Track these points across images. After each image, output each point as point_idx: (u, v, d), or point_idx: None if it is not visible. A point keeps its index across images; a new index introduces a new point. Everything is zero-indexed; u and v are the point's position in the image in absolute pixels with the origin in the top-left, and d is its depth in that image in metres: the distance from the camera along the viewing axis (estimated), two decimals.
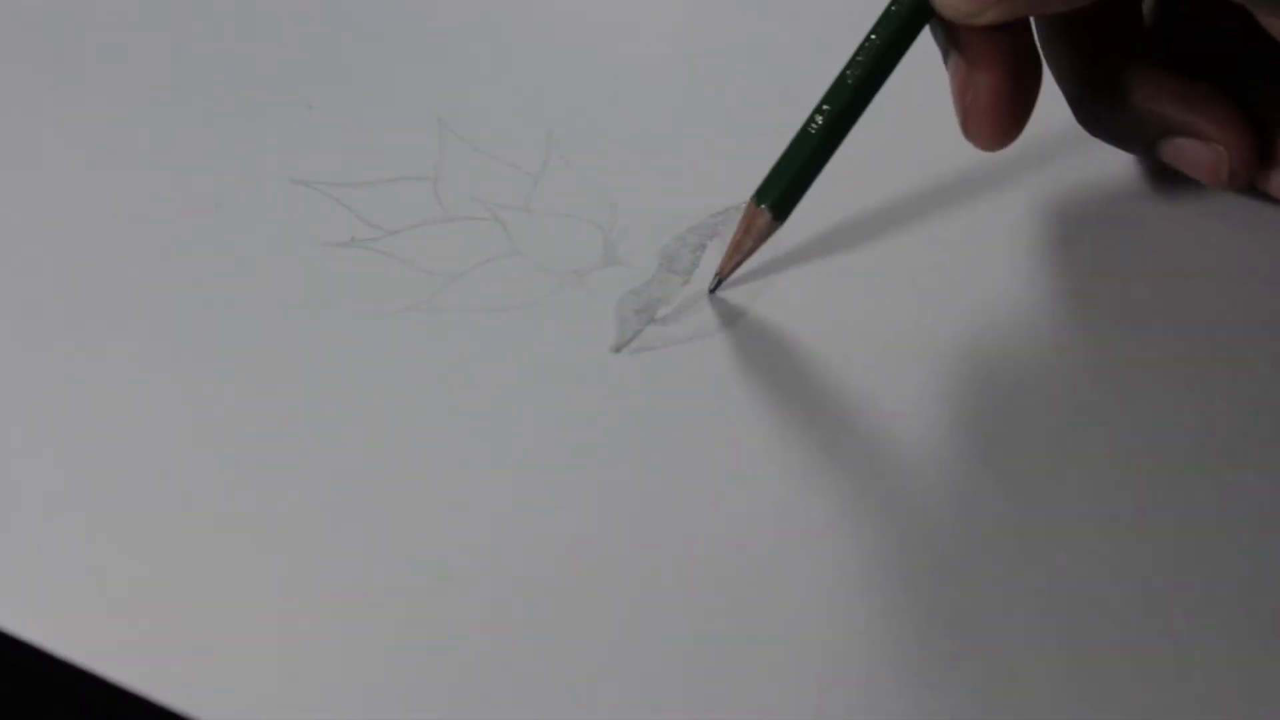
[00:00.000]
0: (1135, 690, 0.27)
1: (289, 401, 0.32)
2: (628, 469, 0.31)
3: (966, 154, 0.34)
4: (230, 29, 0.41)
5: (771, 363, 0.33)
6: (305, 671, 0.27)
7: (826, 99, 0.33)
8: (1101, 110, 0.35)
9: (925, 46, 0.34)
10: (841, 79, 0.33)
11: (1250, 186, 0.35)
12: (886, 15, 0.33)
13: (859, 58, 0.33)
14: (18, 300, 0.34)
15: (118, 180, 0.37)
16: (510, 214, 0.36)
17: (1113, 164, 0.37)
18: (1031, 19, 0.33)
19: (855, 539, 0.30)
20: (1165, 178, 0.36)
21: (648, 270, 0.35)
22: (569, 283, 0.34)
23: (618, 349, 0.33)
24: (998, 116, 0.33)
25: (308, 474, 0.31)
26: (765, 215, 0.33)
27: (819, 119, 0.33)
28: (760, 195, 0.34)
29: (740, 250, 0.34)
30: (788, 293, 0.34)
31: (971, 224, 0.36)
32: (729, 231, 0.35)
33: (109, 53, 0.40)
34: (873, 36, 0.33)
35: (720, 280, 0.34)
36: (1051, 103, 0.35)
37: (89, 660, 0.28)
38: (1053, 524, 0.30)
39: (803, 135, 0.33)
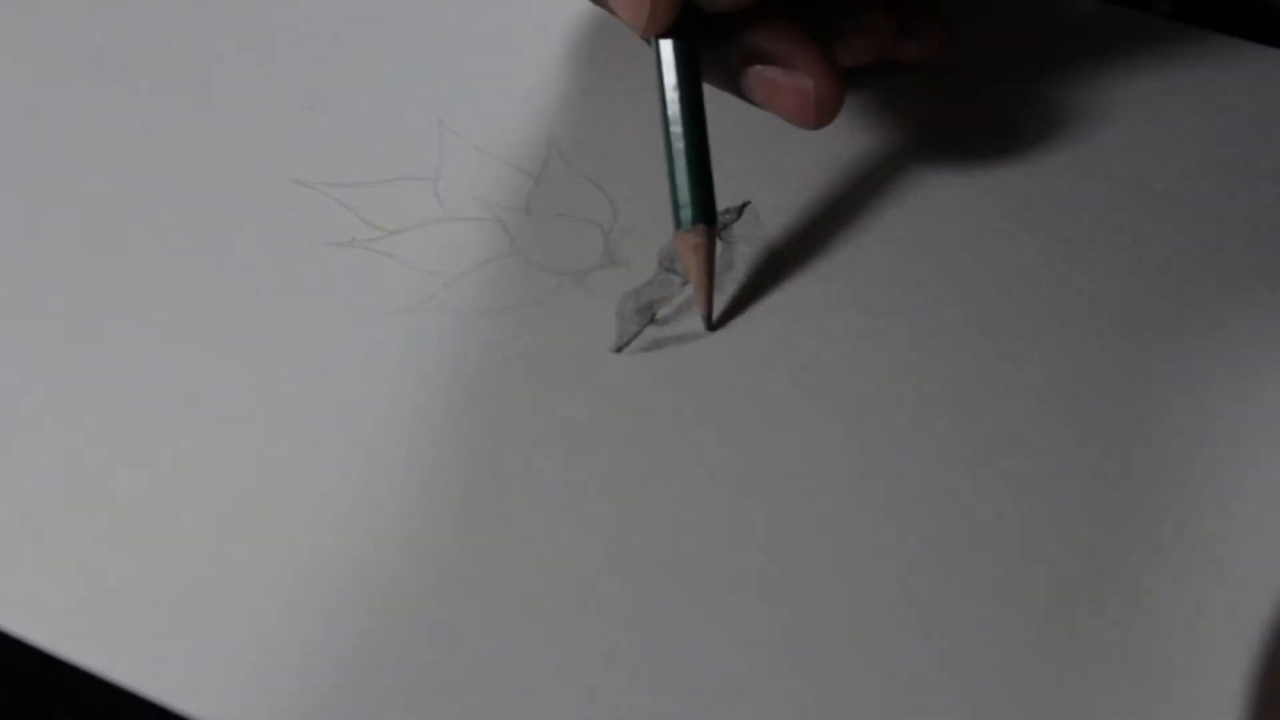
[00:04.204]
0: (1135, 691, 0.27)
1: (289, 401, 0.32)
2: (627, 468, 0.31)
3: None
4: (231, 30, 0.41)
5: (771, 363, 0.33)
6: (305, 671, 0.28)
7: (668, 121, 0.33)
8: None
9: None
10: (668, 100, 0.33)
11: (832, 121, 0.34)
12: (669, 64, 0.33)
13: (678, 90, 0.33)
14: (18, 300, 0.34)
15: (118, 180, 0.37)
16: (510, 214, 0.36)
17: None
18: None
19: (855, 538, 0.30)
20: None
21: (648, 270, 0.35)
22: (569, 283, 0.34)
23: (618, 349, 0.33)
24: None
25: (308, 473, 0.31)
26: (692, 236, 0.33)
27: (674, 136, 0.33)
28: (677, 224, 0.33)
29: (700, 279, 0.33)
30: (785, 294, 0.34)
31: (958, 212, 0.36)
32: (729, 232, 0.35)
33: (109, 53, 0.40)
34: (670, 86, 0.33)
35: (711, 318, 0.34)
36: None
37: (89, 661, 0.28)
38: (1053, 524, 0.30)
39: (671, 158, 0.33)
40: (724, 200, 0.36)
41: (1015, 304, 0.34)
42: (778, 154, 0.37)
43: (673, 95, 0.33)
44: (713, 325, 0.34)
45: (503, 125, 0.38)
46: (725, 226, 0.35)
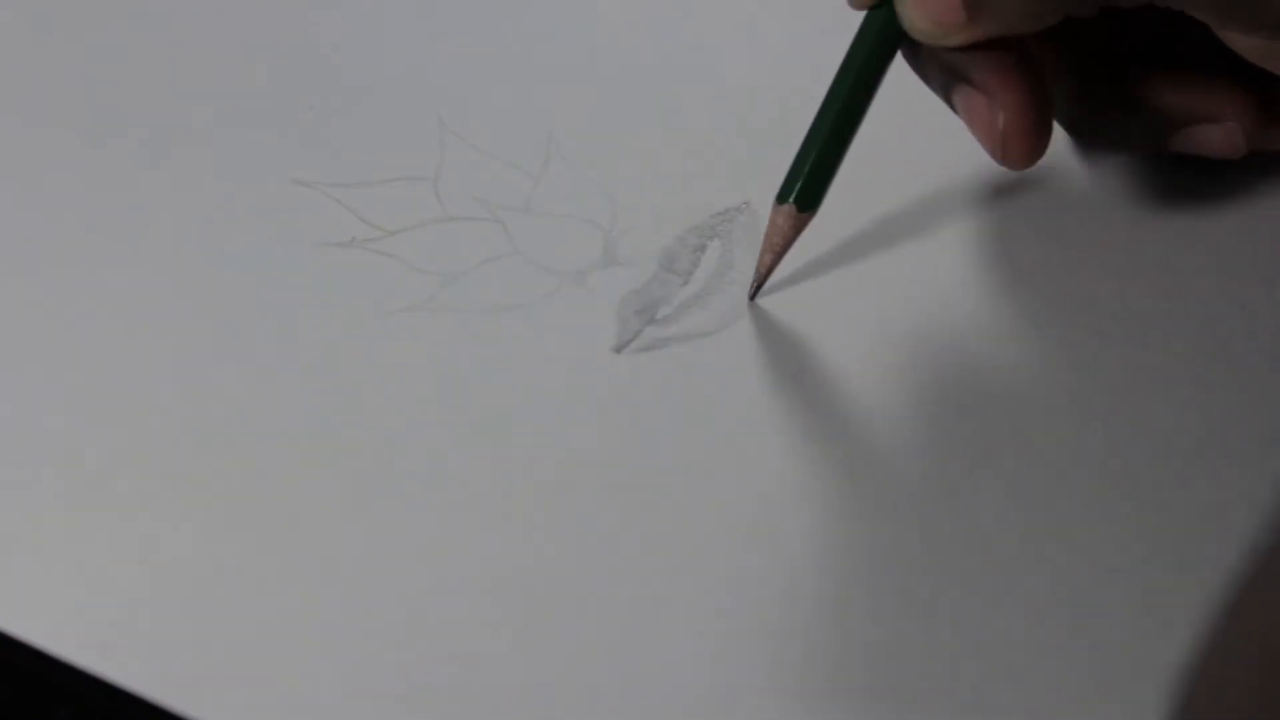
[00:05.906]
0: (1136, 691, 0.27)
1: (289, 401, 0.32)
2: (628, 469, 0.31)
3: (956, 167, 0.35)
4: (230, 29, 0.41)
5: (771, 363, 0.33)
6: (305, 671, 0.28)
7: (831, 89, 0.33)
8: (1105, 119, 0.35)
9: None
10: (842, 71, 0.33)
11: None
12: (860, 39, 0.33)
13: (848, 65, 0.33)
14: (19, 301, 0.34)
15: (118, 181, 0.37)
16: (510, 214, 0.36)
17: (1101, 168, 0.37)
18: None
19: (855, 538, 0.30)
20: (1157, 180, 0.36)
21: (648, 270, 0.35)
22: (569, 283, 0.34)
23: (618, 349, 0.33)
24: (1032, 133, 0.32)
25: (308, 474, 0.31)
26: (785, 212, 0.33)
27: (823, 107, 0.33)
28: (780, 195, 0.33)
29: (770, 250, 0.33)
30: (788, 294, 0.34)
31: (969, 226, 0.36)
32: (729, 231, 0.35)
33: (109, 52, 0.40)
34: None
35: (758, 286, 0.34)
36: None
37: (90, 661, 0.28)
38: (1053, 524, 0.30)
39: (813, 127, 0.33)
40: (726, 199, 0.36)
41: (1015, 304, 0.34)
42: (779, 152, 0.37)
43: (843, 72, 0.33)
44: (753, 295, 0.34)
45: (503, 125, 0.38)
46: (725, 225, 0.35)
